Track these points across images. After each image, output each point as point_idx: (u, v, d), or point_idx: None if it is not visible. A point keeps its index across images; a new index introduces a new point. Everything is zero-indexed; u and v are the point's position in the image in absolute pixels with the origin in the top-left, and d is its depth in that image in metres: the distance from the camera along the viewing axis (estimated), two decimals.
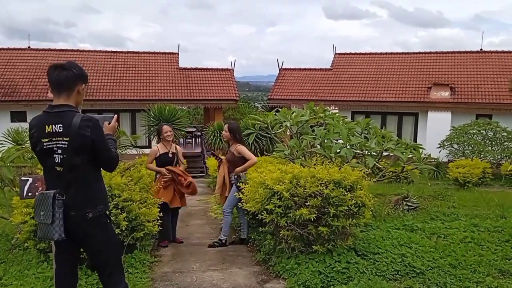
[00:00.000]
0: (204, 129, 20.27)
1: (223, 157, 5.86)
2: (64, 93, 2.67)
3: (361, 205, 4.11)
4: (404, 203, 7.76)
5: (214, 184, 12.54)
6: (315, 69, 24.00)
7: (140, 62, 22.59)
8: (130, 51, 23.52)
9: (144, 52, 23.46)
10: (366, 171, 4.73)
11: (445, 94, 20.41)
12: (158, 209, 4.64)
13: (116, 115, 3.05)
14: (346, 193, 3.99)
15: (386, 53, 23.87)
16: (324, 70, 23.65)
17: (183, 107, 19.67)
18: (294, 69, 24.45)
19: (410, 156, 5.60)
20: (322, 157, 5.27)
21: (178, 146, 5.85)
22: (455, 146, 18.38)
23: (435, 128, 19.84)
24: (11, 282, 3.79)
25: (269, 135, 6.93)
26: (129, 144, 6.70)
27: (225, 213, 5.58)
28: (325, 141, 5.40)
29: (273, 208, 4.05)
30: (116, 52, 23.23)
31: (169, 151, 5.64)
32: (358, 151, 5.41)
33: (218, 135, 18.32)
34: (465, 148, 18.12)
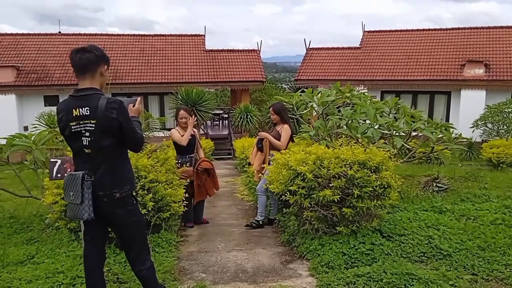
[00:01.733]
0: (231, 111, 20.34)
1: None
2: (88, 76, 2.72)
3: (386, 186, 4.03)
4: (434, 184, 7.59)
5: (241, 165, 12.70)
6: (343, 48, 23.51)
7: (167, 45, 22.72)
8: (157, 34, 23.68)
9: (170, 35, 23.58)
10: (393, 152, 4.63)
11: (479, 71, 19.62)
12: (184, 190, 4.71)
13: (140, 98, 3.09)
14: (371, 174, 3.91)
15: (417, 30, 23.07)
16: (353, 49, 23.13)
17: (210, 89, 19.75)
18: (322, 49, 24.01)
19: (440, 136, 5.43)
20: (348, 138, 5.19)
21: (195, 129, 5.83)
22: (489, 125, 17.74)
23: (469, 107, 19.16)
24: (43, 260, 3.96)
25: (295, 116, 6.86)
26: (157, 127, 6.78)
27: (259, 192, 5.60)
28: (352, 121, 5.29)
29: (297, 190, 4.02)
30: (144, 35, 23.44)
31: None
32: (386, 131, 5.29)
33: (245, 117, 18.36)
34: (499, 128, 17.46)
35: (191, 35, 23.65)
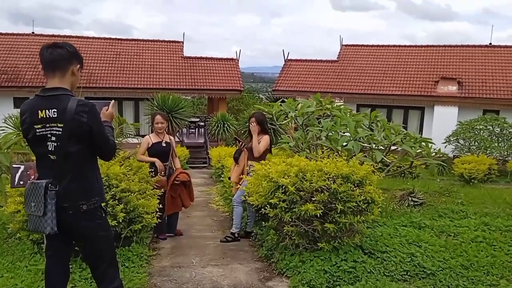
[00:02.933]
0: (208, 119, 20.10)
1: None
2: (58, 74, 2.48)
3: (370, 201, 3.91)
4: (410, 198, 7.58)
5: (217, 175, 12.47)
6: (321, 61, 23.71)
7: (144, 50, 22.33)
8: (134, 38, 23.27)
9: (148, 40, 23.19)
10: (375, 166, 4.54)
11: (452, 88, 20.09)
12: (158, 201, 4.45)
13: (113, 101, 2.83)
14: (354, 189, 3.78)
15: (393, 46, 23.50)
16: (330, 62, 23.35)
17: (187, 97, 19.47)
18: (300, 60, 24.14)
19: (419, 150, 5.39)
20: (328, 149, 5.08)
21: (171, 137, 5.62)
22: (461, 141, 18.14)
23: (441, 123, 19.56)
24: (2, 274, 3.64)
25: (273, 127, 6.72)
26: (131, 133, 6.47)
27: (235, 203, 5.40)
28: (332, 133, 5.19)
29: (277, 203, 3.85)
30: (121, 39, 22.96)
31: (163, 140, 5.37)
32: (365, 144, 5.20)
33: (222, 125, 18.16)
34: (471, 144, 17.88)
35: (169, 41, 23.34)
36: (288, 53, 24.13)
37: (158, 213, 4.30)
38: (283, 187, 3.83)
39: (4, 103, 19.00)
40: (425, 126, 20.70)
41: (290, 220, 3.88)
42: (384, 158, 4.87)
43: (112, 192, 3.86)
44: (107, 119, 2.71)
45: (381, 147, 5.62)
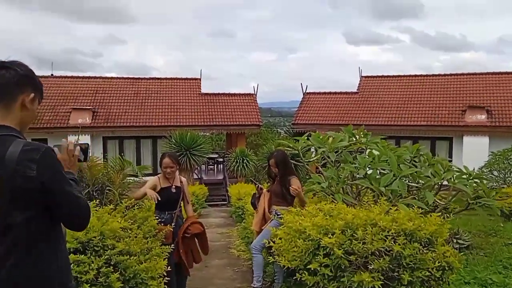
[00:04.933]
0: (227, 155, 19.61)
1: (264, 189, 5.03)
2: (0, 105, 1.70)
3: (447, 268, 3.00)
4: (455, 240, 6.74)
5: (237, 214, 11.77)
6: (340, 93, 23.19)
7: (162, 88, 22.27)
8: (152, 77, 23.30)
9: (166, 78, 23.19)
10: (427, 210, 3.80)
11: (481, 117, 19.19)
12: (166, 262, 3.58)
13: (66, 141, 1.92)
14: (424, 251, 2.92)
15: (414, 75, 22.90)
16: (351, 94, 22.80)
17: (205, 133, 19.10)
18: (319, 93, 23.69)
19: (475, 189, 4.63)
20: (368, 191, 4.38)
21: (183, 178, 4.84)
22: (495, 173, 17.05)
23: (472, 154, 18.49)
24: None
25: (299, 163, 6.08)
26: (135, 178, 5.68)
27: (254, 251, 4.63)
28: (370, 171, 4.50)
29: (318, 269, 2.99)
30: (138, 78, 23.02)
31: (172, 184, 4.61)
32: (412, 184, 4.49)
33: (241, 161, 17.62)
34: (506, 175, 16.76)
35: (187, 79, 23.27)
36: (307, 86, 23.78)
37: (166, 278, 3.46)
38: (326, 248, 2.98)
39: None
40: (454, 157, 19.65)
41: None
42: (436, 200, 4.13)
43: (106, 256, 3.06)
44: (69, 169, 1.85)
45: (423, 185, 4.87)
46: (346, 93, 23.13)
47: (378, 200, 3.66)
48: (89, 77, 22.84)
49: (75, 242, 2.97)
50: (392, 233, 2.93)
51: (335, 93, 23.34)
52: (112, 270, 2.96)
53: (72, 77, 22.62)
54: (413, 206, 4.10)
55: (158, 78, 23.15)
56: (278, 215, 4.45)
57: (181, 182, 4.72)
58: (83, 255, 2.93)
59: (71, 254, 2.87)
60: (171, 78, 23.23)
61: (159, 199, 4.22)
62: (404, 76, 23.06)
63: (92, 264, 2.90)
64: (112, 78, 23.07)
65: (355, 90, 23.03)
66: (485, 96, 20.21)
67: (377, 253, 2.85)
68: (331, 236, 2.94)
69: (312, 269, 3.02)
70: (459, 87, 21.16)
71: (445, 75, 22.35)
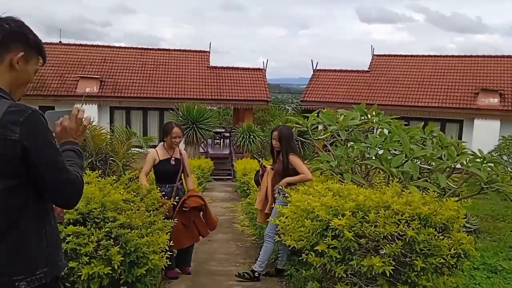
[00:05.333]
0: (233, 130, 19.50)
1: (268, 166, 4.88)
2: None
3: (462, 255, 2.85)
4: (462, 224, 6.64)
5: (242, 189, 11.74)
6: (351, 71, 22.76)
7: (171, 60, 21.99)
8: (160, 48, 23.00)
9: (174, 50, 22.87)
10: (438, 193, 3.67)
11: (494, 100, 18.82)
12: (169, 236, 3.49)
13: (78, 108, 1.70)
14: (439, 237, 2.75)
15: (428, 56, 22.37)
16: (362, 72, 22.38)
17: (213, 107, 18.94)
18: (329, 70, 23.27)
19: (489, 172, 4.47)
20: (377, 171, 4.25)
21: (183, 151, 4.66)
22: (505, 157, 16.81)
23: (482, 137, 18.23)
24: None
25: (308, 140, 5.93)
26: (139, 149, 5.53)
27: (267, 238, 4.46)
28: (381, 151, 4.36)
29: (326, 250, 2.84)
30: (147, 49, 22.72)
31: (172, 156, 4.44)
32: (424, 165, 4.34)
33: (248, 137, 17.51)
34: None
35: (195, 51, 22.92)
36: (317, 63, 23.33)
37: (168, 252, 3.37)
38: (336, 229, 2.80)
39: None
40: (464, 140, 19.39)
41: (345, 275, 2.87)
42: (449, 183, 3.98)
43: (107, 229, 2.93)
44: (67, 138, 1.68)
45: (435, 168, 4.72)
46: (357, 71, 22.71)
47: (390, 182, 3.52)
48: (97, 46, 22.59)
49: (75, 213, 2.87)
50: (406, 217, 2.78)
51: (346, 71, 22.92)
52: (113, 243, 2.86)
53: (80, 45, 22.36)
54: (424, 188, 3.97)
55: (166, 49, 22.84)
56: (283, 194, 4.35)
57: (180, 154, 4.57)
58: (82, 227, 2.85)
59: (70, 225, 2.79)
60: (179, 50, 22.91)
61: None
62: (417, 56, 22.55)
63: (92, 236, 2.82)
64: (120, 47, 22.77)
65: (366, 69, 22.60)
66: (498, 79, 19.76)
67: (390, 237, 2.70)
68: (341, 218, 2.80)
69: (320, 250, 2.88)
70: (473, 69, 20.68)
71: (458, 56, 21.81)
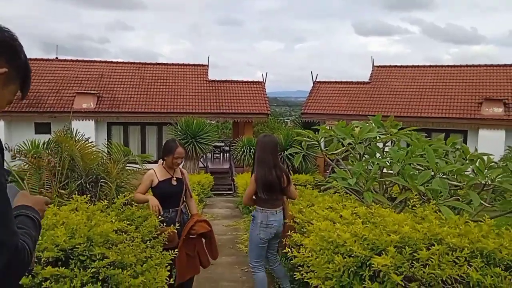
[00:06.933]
0: (233, 144, 19.10)
1: None
2: None
3: None
4: None
5: (243, 205, 11.28)
6: (352, 82, 22.46)
7: (169, 74, 21.67)
8: (158, 62, 22.68)
9: (172, 64, 22.57)
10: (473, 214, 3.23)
11: (498, 110, 18.48)
12: (168, 273, 2.90)
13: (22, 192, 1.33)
14: (506, 277, 2.17)
15: (429, 66, 22.10)
16: (362, 84, 22.08)
17: (212, 121, 18.55)
18: (329, 82, 22.97)
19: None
20: (403, 190, 3.80)
21: (184, 170, 4.25)
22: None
23: (487, 148, 17.64)
24: None
25: (311, 154, 5.51)
26: (137, 166, 5.07)
27: (252, 270, 4.06)
28: (404, 167, 3.92)
29: None
30: (145, 64, 22.40)
31: (173, 176, 4.02)
32: (453, 182, 3.89)
33: (248, 150, 17.10)
34: None
35: (194, 65, 22.62)
36: (317, 75, 23.05)
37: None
38: (376, 270, 2.23)
39: (25, 128, 18.51)
40: None
41: None
42: (482, 202, 3.54)
43: (93, 269, 2.39)
44: (28, 204, 1.28)
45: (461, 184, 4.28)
46: (357, 82, 22.42)
47: (420, 203, 3.07)
48: (94, 61, 22.24)
49: (55, 249, 2.37)
50: (465, 253, 2.22)
51: (346, 82, 22.62)
52: (100, 286, 2.35)
53: (77, 60, 22.03)
54: (455, 208, 3.53)
55: (164, 64, 22.53)
56: (253, 216, 4.11)
57: (182, 173, 4.12)
58: (63, 268, 2.32)
59: (49, 266, 2.29)
60: (177, 64, 22.60)
61: (161, 212, 3.71)
62: (417, 66, 22.30)
63: (75, 280, 2.30)
64: (117, 62, 22.44)
65: (367, 80, 22.31)
66: (501, 88, 19.47)
67: (449, 281, 2.15)
68: (384, 254, 2.23)
69: None
70: (475, 79, 20.41)
71: (460, 66, 21.55)
